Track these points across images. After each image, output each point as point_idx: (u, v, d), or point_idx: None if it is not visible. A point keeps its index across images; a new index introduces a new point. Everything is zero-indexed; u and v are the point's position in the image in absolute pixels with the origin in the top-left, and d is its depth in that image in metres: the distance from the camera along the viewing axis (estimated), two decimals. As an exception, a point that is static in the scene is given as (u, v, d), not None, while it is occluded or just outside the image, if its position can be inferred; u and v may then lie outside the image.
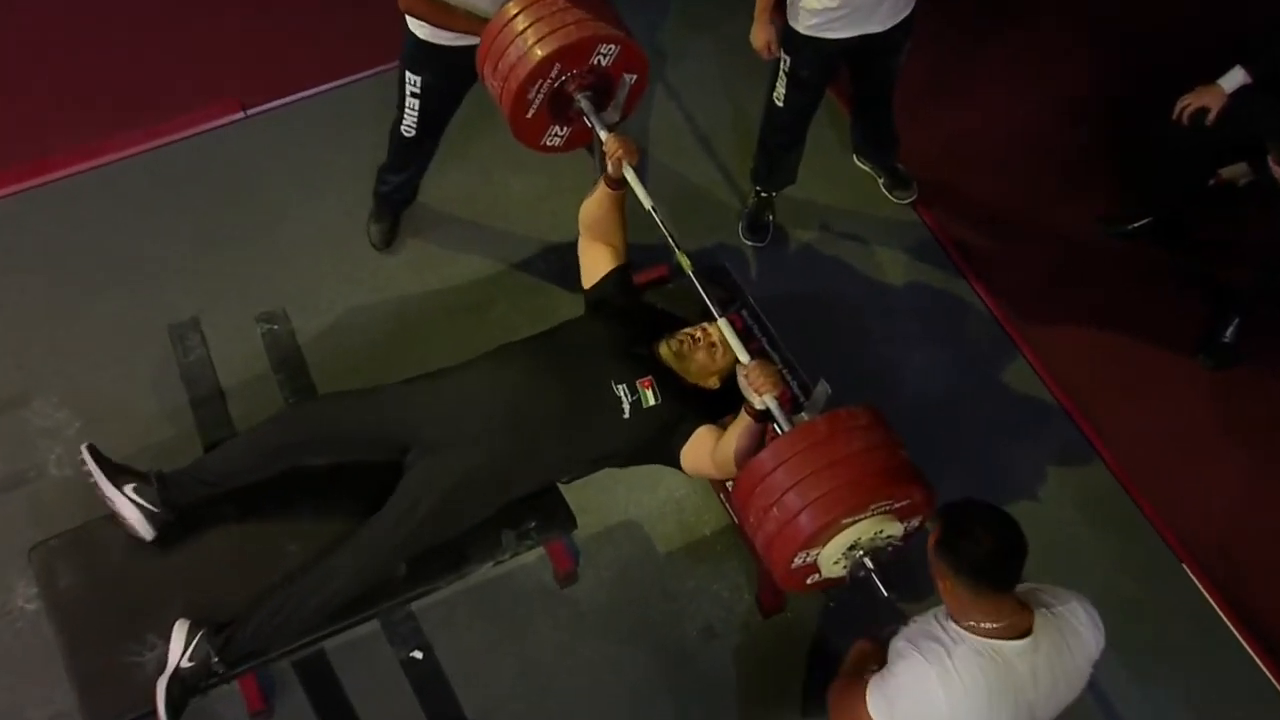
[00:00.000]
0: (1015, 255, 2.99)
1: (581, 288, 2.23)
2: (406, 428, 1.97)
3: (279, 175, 3.00)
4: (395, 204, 2.83)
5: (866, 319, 2.87)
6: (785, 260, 2.99)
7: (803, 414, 1.73)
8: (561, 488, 2.17)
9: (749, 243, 2.90)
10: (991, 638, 1.51)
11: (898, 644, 1.57)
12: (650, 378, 2.00)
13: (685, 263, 1.93)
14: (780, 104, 2.66)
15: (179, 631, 1.86)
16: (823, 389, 1.70)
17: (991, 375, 2.80)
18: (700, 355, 2.08)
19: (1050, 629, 1.52)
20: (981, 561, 1.47)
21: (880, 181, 3.14)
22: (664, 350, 2.10)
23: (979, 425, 2.70)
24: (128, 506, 1.94)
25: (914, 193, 3.10)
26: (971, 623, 1.52)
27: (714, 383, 2.11)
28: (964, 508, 1.54)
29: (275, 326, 2.71)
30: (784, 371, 2.43)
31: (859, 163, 3.17)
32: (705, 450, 1.93)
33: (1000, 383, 2.78)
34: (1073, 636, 1.54)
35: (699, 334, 2.09)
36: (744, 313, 2.53)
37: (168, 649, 1.86)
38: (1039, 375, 2.76)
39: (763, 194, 2.95)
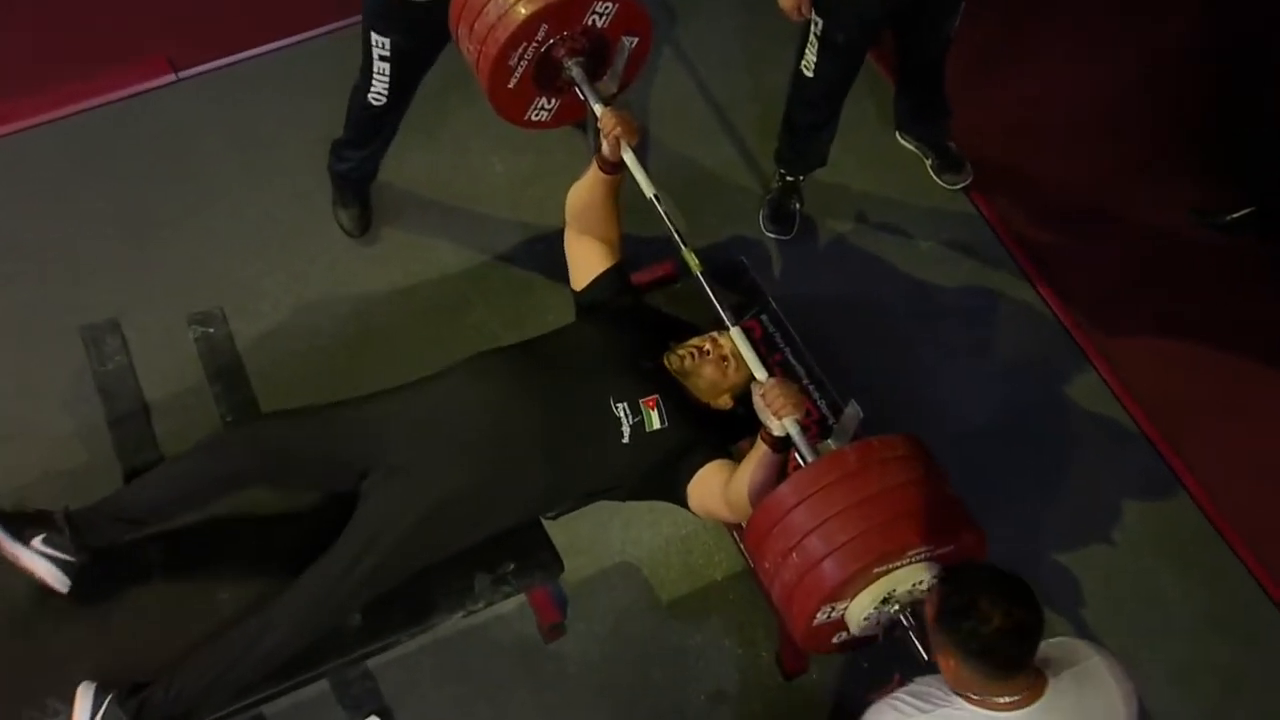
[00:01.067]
0: (1088, 251, 3.01)
1: (570, 289, 2.25)
2: (365, 451, 1.98)
3: (216, 149, 3.02)
4: (357, 184, 2.87)
5: (910, 327, 2.89)
6: (814, 256, 3.00)
7: (829, 441, 1.74)
8: (546, 523, 2.19)
9: (771, 235, 2.93)
10: (993, 710, 1.54)
11: (880, 703, 1.60)
12: (656, 396, 2.02)
13: (692, 262, 1.95)
14: (810, 74, 2.66)
15: (84, 695, 1.83)
16: (854, 411, 1.72)
17: (1057, 394, 2.82)
18: (709, 369, 2.10)
19: (1067, 696, 1.54)
20: (989, 643, 1.47)
21: (928, 163, 3.16)
22: (669, 364, 2.12)
23: (1041, 454, 2.72)
24: (38, 562, 1.91)
25: (967, 176, 3.12)
26: (974, 695, 1.55)
27: (726, 402, 2.13)
28: (967, 576, 1.56)
29: (211, 329, 2.73)
30: (810, 389, 2.45)
31: (903, 141, 3.19)
32: (715, 488, 1.91)
33: (1068, 402, 2.81)
34: (1094, 696, 1.55)
35: (708, 345, 2.11)
36: (764, 318, 2.56)
37: (71, 716, 1.84)
38: (1114, 394, 2.79)
39: (788, 178, 2.96)
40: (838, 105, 2.78)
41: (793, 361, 2.50)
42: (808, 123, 2.82)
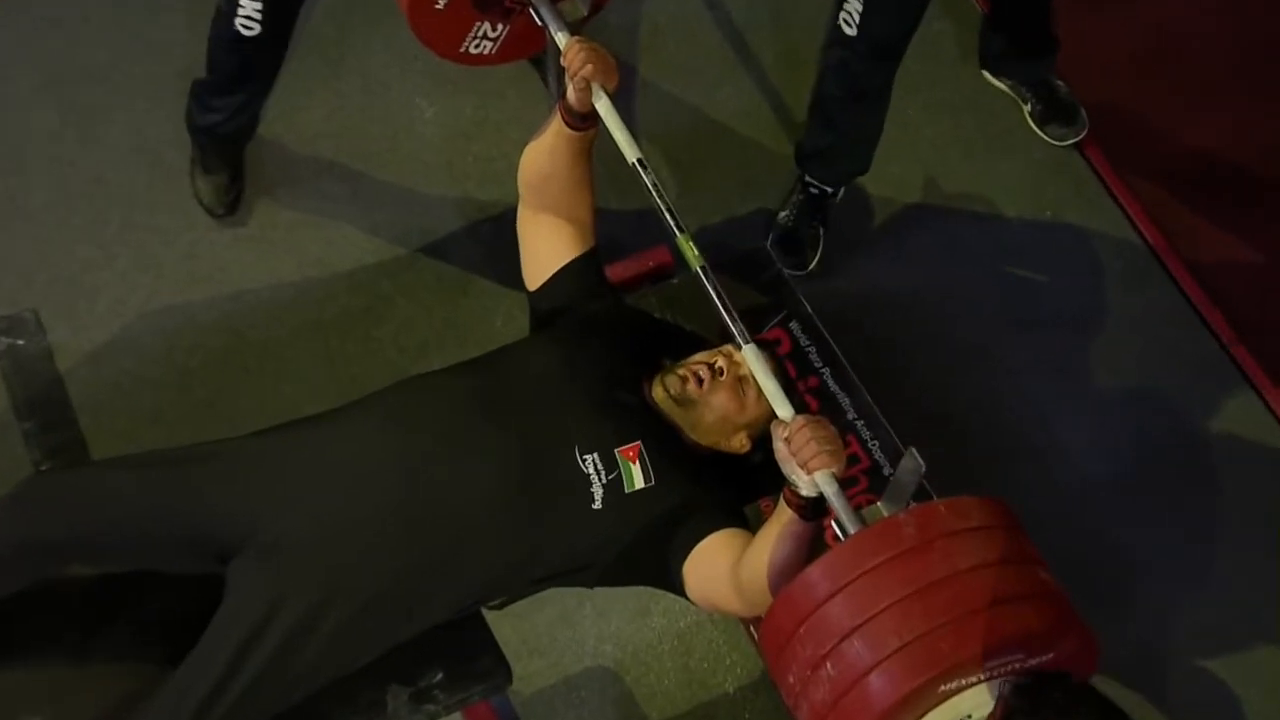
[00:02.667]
0: (1251, 233, 3.03)
1: (525, 288, 2.24)
2: (231, 522, 1.96)
3: (25, 91, 3.02)
4: (227, 143, 2.87)
5: (1000, 338, 2.90)
6: (865, 240, 3.01)
7: (879, 505, 1.75)
8: (489, 615, 2.18)
9: (784, 267, 2.88)
10: None
11: None
12: (639, 443, 2.02)
13: (690, 253, 1.94)
14: (851, 30, 2.63)
15: None
16: (913, 464, 1.72)
17: (1208, 433, 2.83)
18: (720, 398, 2.08)
19: None
20: None
21: (1026, 109, 3.17)
22: (660, 394, 2.11)
23: (1184, 517, 2.73)
24: None
25: (1081, 127, 3.14)
26: None
27: (741, 443, 2.12)
28: (1048, 699, 1.56)
29: (20, 341, 2.69)
30: (858, 427, 2.45)
31: (992, 80, 3.20)
32: (721, 568, 1.91)
33: (1222, 444, 2.82)
34: None
35: (719, 361, 2.10)
36: (794, 326, 2.56)
37: None
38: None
39: (812, 189, 2.96)
40: (888, 78, 2.75)
41: (833, 388, 2.50)
42: (845, 104, 2.78)
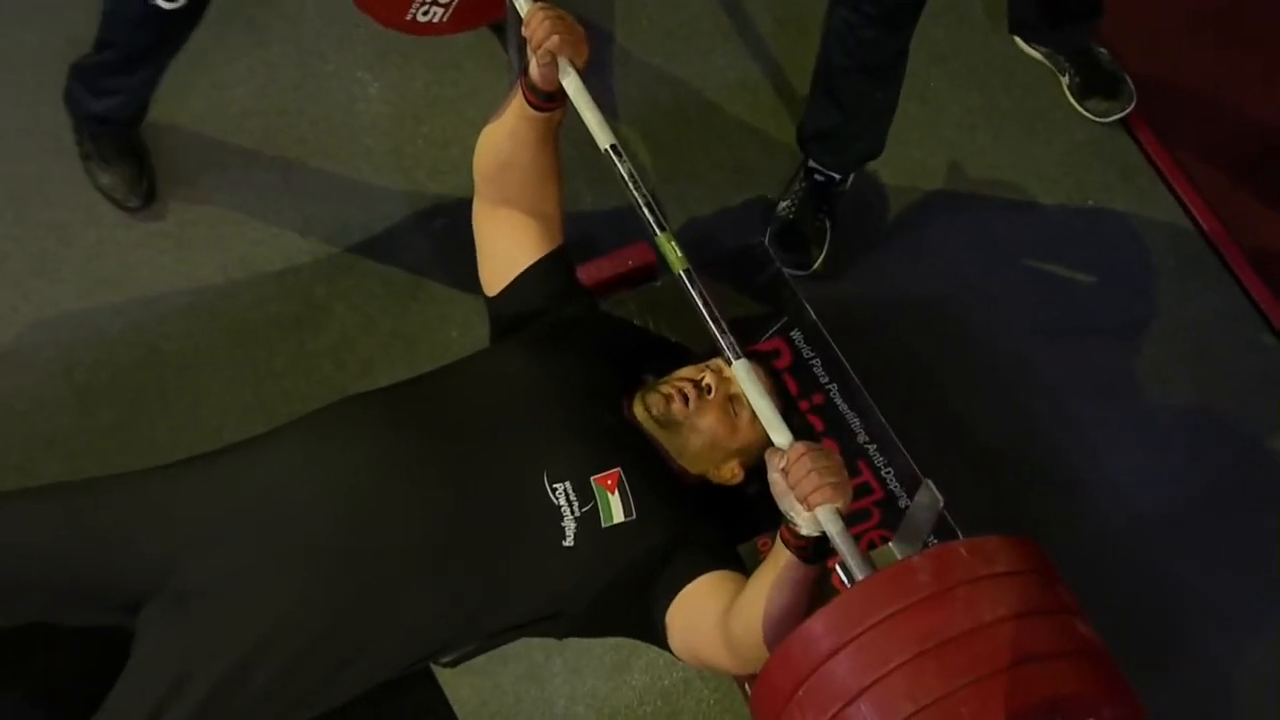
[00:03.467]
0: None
1: (483, 293, 2.26)
2: (143, 561, 1.95)
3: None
4: (123, 129, 2.88)
5: (1035, 350, 2.91)
6: (878, 234, 3.03)
7: (891, 545, 1.76)
8: (441, 673, 2.20)
9: (785, 267, 2.85)
10: None
11: None
12: (618, 470, 2.04)
13: (672, 255, 1.94)
14: None
15: None
16: (929, 497, 1.73)
17: (1271, 457, 2.85)
18: (708, 420, 2.11)
19: None
20: None
21: (1065, 81, 3.20)
22: (641, 413, 2.13)
23: (1243, 558, 2.73)
24: None
25: (1127, 101, 3.17)
26: None
27: (733, 473, 2.15)
28: None
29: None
30: (869, 453, 2.47)
31: (1025, 48, 3.23)
32: (709, 617, 1.91)
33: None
34: None
35: (706, 378, 2.13)
36: (795, 336, 2.59)
37: None
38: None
39: (817, 174, 2.98)
40: (903, 45, 2.73)
41: (841, 407, 2.52)
42: (854, 75, 2.76)
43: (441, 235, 2.90)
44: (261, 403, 2.70)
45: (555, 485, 2.00)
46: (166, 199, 2.92)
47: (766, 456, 1.82)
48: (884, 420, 2.49)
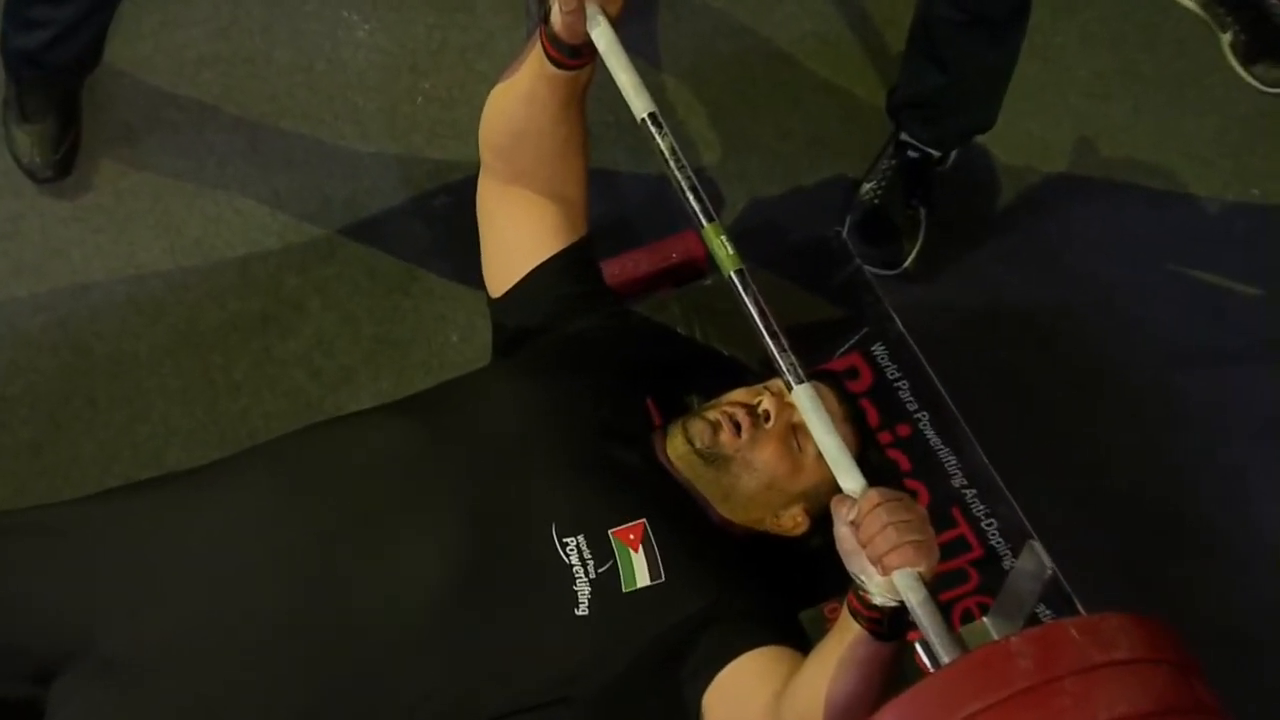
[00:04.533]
0: None
1: (486, 294, 2.26)
2: (60, 621, 1.94)
3: None
4: (56, 76, 2.88)
5: (1178, 377, 2.91)
6: (985, 227, 3.04)
7: (986, 620, 1.74)
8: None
9: (866, 266, 2.82)
10: None
11: None
12: (643, 521, 2.04)
13: (722, 251, 1.92)
14: None
15: None
16: (1034, 563, 1.72)
17: None
18: (764, 457, 2.10)
19: None
20: None
21: (1226, 39, 3.20)
22: (679, 448, 2.13)
23: None
24: None
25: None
26: None
27: (793, 522, 2.14)
28: None
29: None
30: (966, 498, 2.46)
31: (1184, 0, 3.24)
32: (757, 704, 1.89)
33: None
34: None
35: (763, 403, 2.12)
36: (877, 351, 2.58)
37: None
38: None
39: (911, 150, 2.98)
40: None
41: (932, 441, 2.52)
42: (962, 29, 2.76)
43: (442, 216, 2.91)
44: (214, 421, 2.70)
45: (565, 540, 2.00)
46: (99, 166, 2.94)
47: (833, 506, 1.81)
48: (986, 460, 2.48)
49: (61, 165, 2.90)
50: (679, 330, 2.52)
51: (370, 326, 2.84)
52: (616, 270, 2.55)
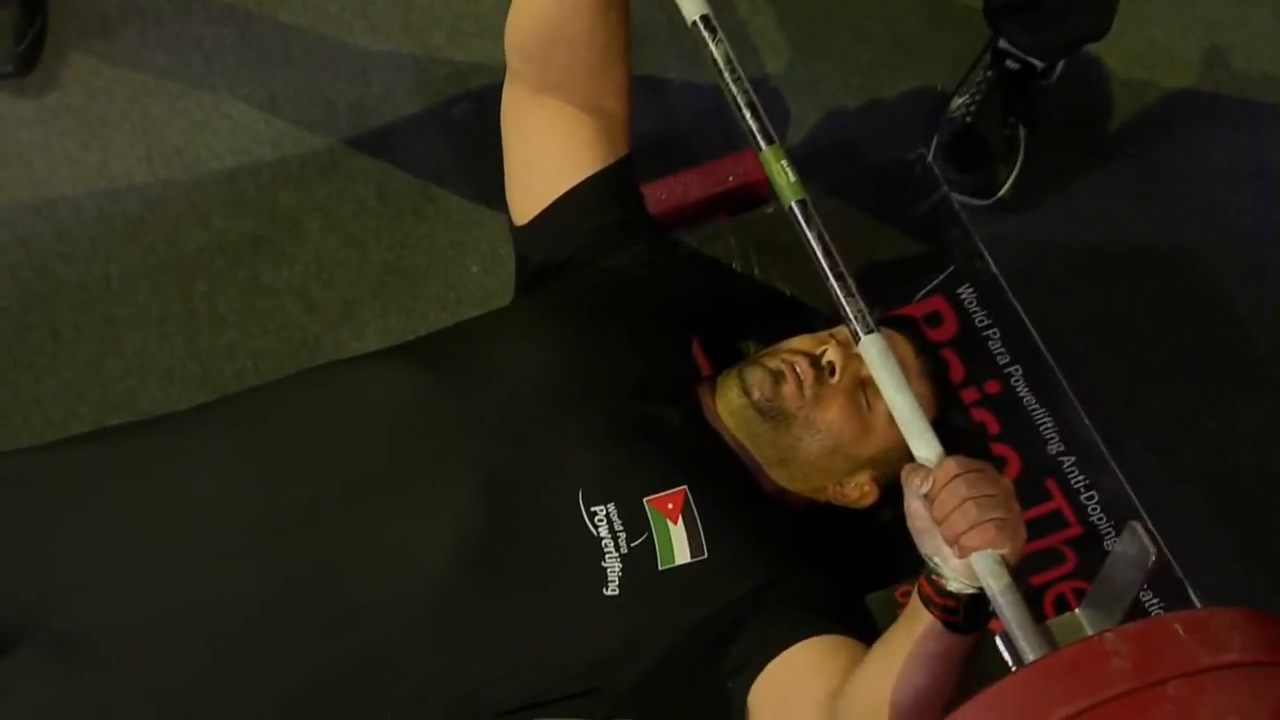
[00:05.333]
0: None
1: (511, 219, 2.28)
2: (15, 590, 1.96)
3: None
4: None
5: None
6: (1097, 153, 3.04)
7: (1078, 612, 1.75)
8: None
9: (954, 193, 2.82)
10: None
11: None
12: (684, 488, 2.05)
13: (782, 178, 1.91)
14: None
15: None
16: (1135, 548, 1.71)
17: None
18: (830, 415, 2.12)
19: None
20: None
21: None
22: (734, 401, 2.15)
23: None
24: None
25: None
26: None
27: (860, 491, 2.17)
28: None
29: None
30: (1064, 465, 2.46)
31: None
32: (811, 700, 1.91)
33: None
34: None
35: (827, 353, 2.14)
36: (964, 294, 2.58)
37: None
38: None
39: (1010, 60, 2.97)
40: None
41: (1025, 400, 2.51)
42: None
43: (463, 126, 2.91)
44: (195, 358, 2.73)
45: (594, 509, 2.01)
46: (68, 60, 2.95)
47: (904, 476, 1.81)
48: (1088, 422, 2.48)
49: (25, 59, 2.93)
50: (734, 265, 2.52)
51: (377, 253, 2.85)
52: (663, 194, 2.55)
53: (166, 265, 2.83)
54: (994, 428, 2.47)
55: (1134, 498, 2.40)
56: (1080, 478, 2.45)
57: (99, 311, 2.79)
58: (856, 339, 1.86)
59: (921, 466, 1.79)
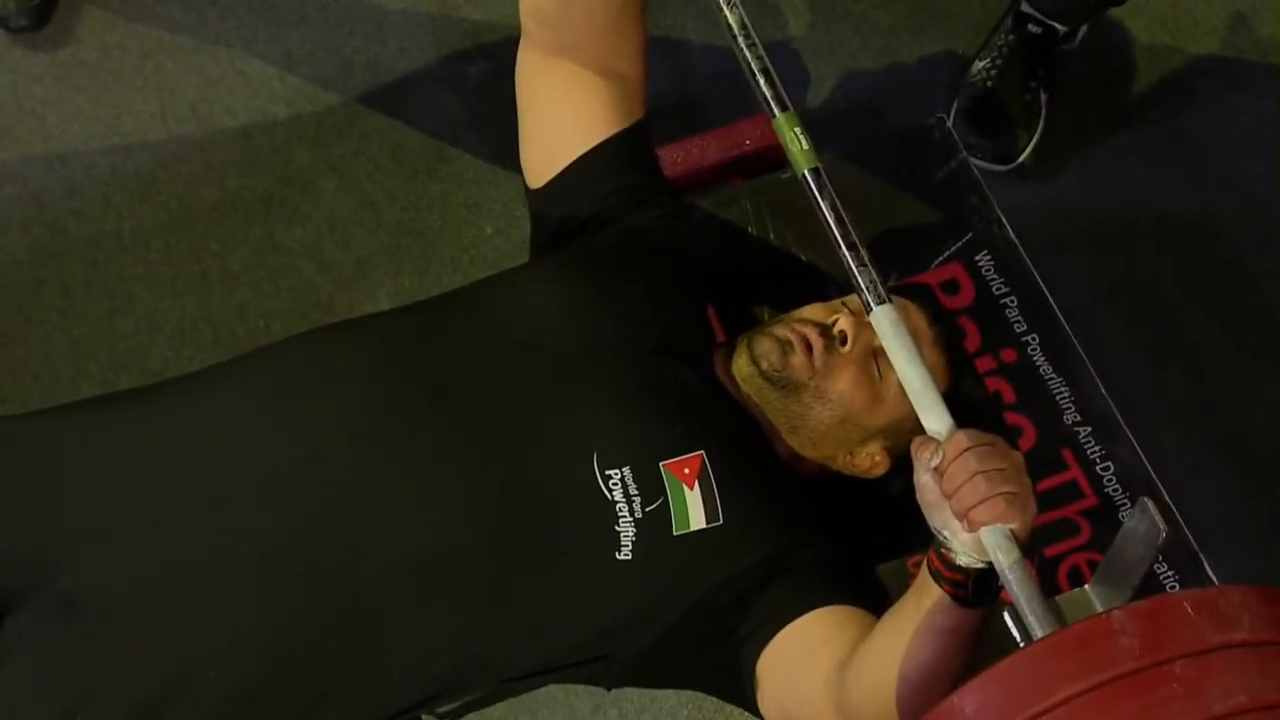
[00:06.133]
0: None
1: (526, 183, 2.27)
2: (19, 548, 1.96)
3: None
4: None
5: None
6: (1119, 118, 3.03)
7: (1087, 588, 1.75)
8: (435, 726, 2.22)
9: (976, 158, 2.85)
10: None
11: None
12: (700, 453, 2.05)
13: (795, 145, 1.91)
14: None
15: None
16: (1146, 523, 1.70)
17: None
18: (841, 385, 2.12)
19: None
20: None
21: None
22: (744, 368, 2.15)
23: None
24: None
25: None
26: None
27: (870, 461, 2.17)
28: None
29: None
30: (1080, 435, 2.45)
31: None
32: (820, 669, 1.91)
33: None
34: None
35: (840, 323, 2.14)
36: (982, 261, 2.58)
37: None
38: None
39: (1031, 23, 2.95)
40: None
41: (1042, 369, 2.52)
42: None
43: (479, 85, 2.91)
44: (207, 318, 2.73)
45: (609, 473, 2.00)
46: (81, 15, 2.95)
47: (914, 450, 1.80)
48: (1105, 393, 2.48)
49: (39, 13, 2.92)
50: (749, 230, 2.52)
51: (391, 213, 2.86)
52: (679, 157, 2.56)
53: (179, 223, 2.83)
54: (1010, 397, 2.47)
55: (1150, 470, 2.40)
56: (1096, 448, 2.46)
57: (111, 268, 2.80)
58: (868, 309, 1.85)
59: (932, 439, 1.78)
